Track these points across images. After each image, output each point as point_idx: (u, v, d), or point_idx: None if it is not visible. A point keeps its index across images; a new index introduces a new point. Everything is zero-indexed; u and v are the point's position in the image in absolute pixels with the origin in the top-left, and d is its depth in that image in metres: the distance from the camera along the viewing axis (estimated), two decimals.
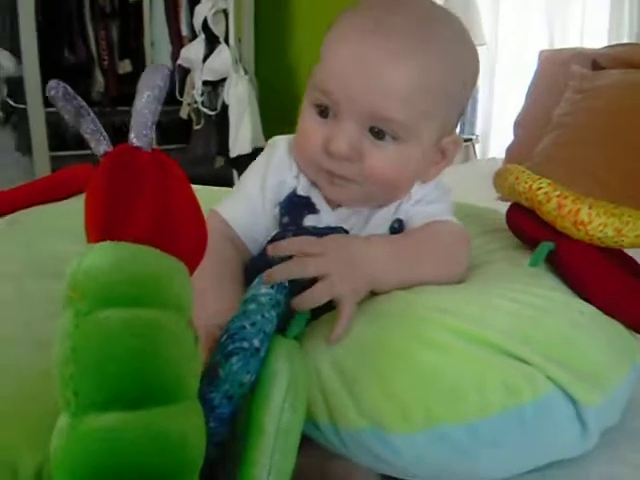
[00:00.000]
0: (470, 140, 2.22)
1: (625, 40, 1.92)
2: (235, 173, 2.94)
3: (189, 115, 2.89)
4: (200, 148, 2.92)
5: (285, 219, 0.62)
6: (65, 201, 0.90)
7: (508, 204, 1.34)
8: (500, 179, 0.71)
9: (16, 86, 2.70)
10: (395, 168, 0.59)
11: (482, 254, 0.68)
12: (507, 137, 2.05)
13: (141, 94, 0.40)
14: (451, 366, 0.46)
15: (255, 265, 0.58)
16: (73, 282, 0.34)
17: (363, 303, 0.54)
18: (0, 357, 0.50)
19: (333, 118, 0.58)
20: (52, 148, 2.86)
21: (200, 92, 2.77)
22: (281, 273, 0.49)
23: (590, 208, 0.62)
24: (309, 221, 0.62)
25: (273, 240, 0.57)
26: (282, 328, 0.48)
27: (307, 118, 0.61)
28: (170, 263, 0.37)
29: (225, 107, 2.75)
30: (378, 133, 0.57)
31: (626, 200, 1.19)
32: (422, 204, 0.65)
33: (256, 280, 0.50)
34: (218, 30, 2.65)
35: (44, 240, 0.74)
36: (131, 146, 0.39)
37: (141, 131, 0.39)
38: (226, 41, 2.69)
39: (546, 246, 0.64)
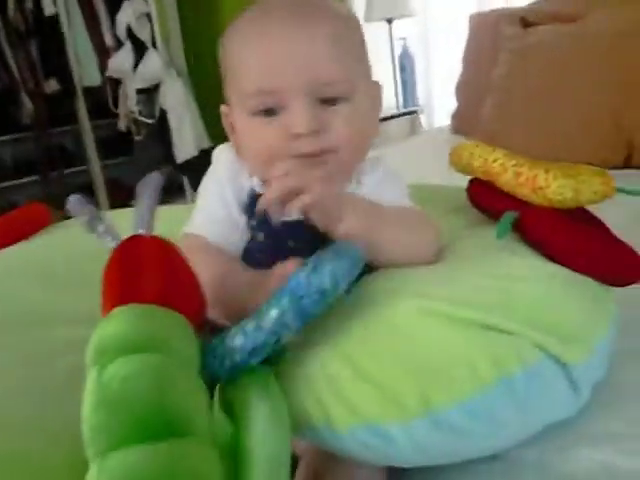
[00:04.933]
0: (414, 112, 2.22)
1: None
2: (185, 179, 2.89)
3: (128, 126, 2.81)
4: (144, 158, 2.84)
5: (252, 221, 0.62)
6: (22, 243, 0.85)
7: (462, 175, 1.35)
8: (455, 157, 0.71)
9: None
10: (355, 124, 0.61)
11: (449, 232, 0.67)
12: (450, 105, 2.06)
13: (141, 197, 0.51)
14: (437, 349, 0.46)
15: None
16: (97, 342, 0.40)
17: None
18: None
19: (280, 112, 0.59)
20: None
21: (135, 101, 2.69)
22: (269, 194, 0.52)
23: (547, 172, 0.62)
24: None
25: (248, 246, 0.62)
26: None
27: (252, 125, 0.61)
28: (174, 318, 0.43)
29: (164, 113, 2.68)
30: (329, 100, 0.59)
31: (572, 153, 1.21)
32: (380, 192, 0.63)
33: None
34: (144, 35, 2.57)
35: (9, 286, 0.70)
36: (136, 235, 0.49)
37: (144, 224, 0.50)
38: (153, 45, 2.62)
39: (509, 216, 0.63)
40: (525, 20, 1.78)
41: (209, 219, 0.63)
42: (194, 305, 0.46)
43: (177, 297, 0.45)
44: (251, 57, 0.60)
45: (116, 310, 0.42)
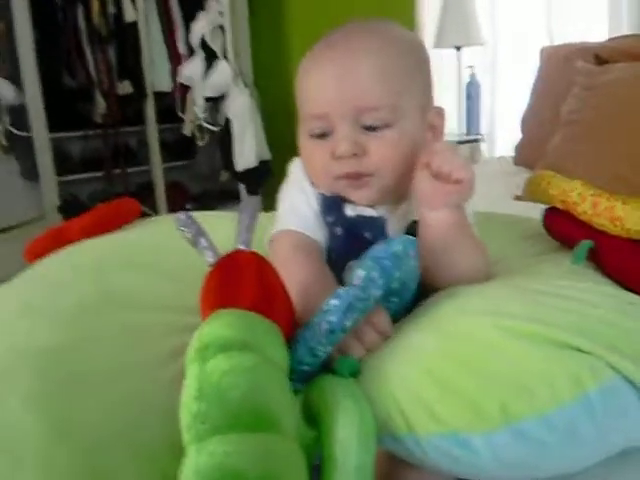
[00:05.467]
0: (476, 140, 2.22)
1: (624, 31, 1.92)
2: (241, 187, 2.95)
3: (192, 132, 2.90)
4: (205, 164, 2.93)
5: (329, 219, 0.67)
6: (122, 232, 0.89)
7: (524, 203, 1.33)
8: (533, 186, 0.72)
9: (17, 114, 2.71)
10: (397, 149, 0.64)
11: (523, 259, 0.68)
12: (512, 135, 2.04)
13: (241, 217, 0.57)
14: (516, 364, 0.47)
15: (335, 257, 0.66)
16: (199, 340, 0.44)
17: (413, 314, 0.56)
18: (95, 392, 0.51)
19: (330, 136, 0.64)
20: (58, 173, 2.87)
21: (202, 109, 2.78)
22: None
23: (624, 204, 0.63)
24: (350, 210, 0.67)
25: (330, 241, 0.66)
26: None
27: (309, 146, 0.67)
28: (269, 325, 0.47)
29: (228, 122, 2.76)
30: (371, 127, 0.63)
31: None
32: None
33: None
34: (216, 46, 2.66)
35: (113, 270, 0.73)
36: (238, 250, 0.55)
37: (244, 241, 0.55)
38: (224, 56, 2.70)
39: (586, 244, 0.64)
40: (599, 57, 1.76)
41: (296, 215, 0.68)
42: (285, 317, 0.50)
43: (271, 307, 0.48)
44: (308, 84, 0.66)
45: (219, 312, 0.46)
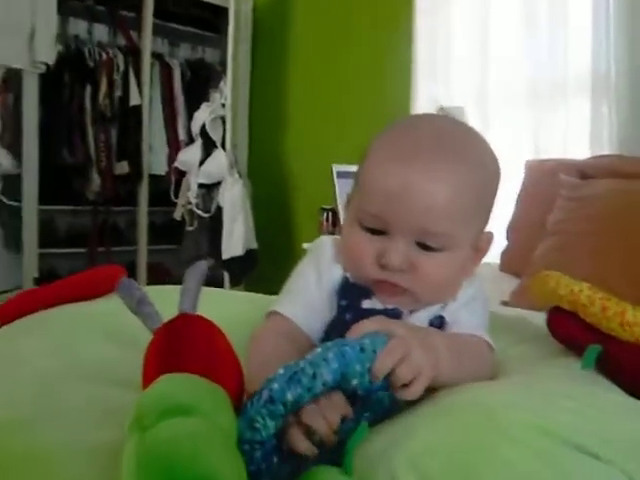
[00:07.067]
0: None
1: (606, 150, 2.04)
2: (226, 275, 2.94)
3: (183, 216, 2.93)
4: (192, 249, 2.93)
5: (343, 302, 0.65)
6: (98, 300, 0.86)
7: (511, 309, 1.33)
8: (540, 285, 0.73)
9: (10, 184, 2.73)
10: (445, 273, 0.64)
11: (526, 362, 0.68)
12: (498, 242, 2.10)
13: (187, 281, 0.57)
14: (538, 466, 0.44)
15: None
16: (137, 408, 0.40)
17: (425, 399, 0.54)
18: (54, 470, 0.47)
19: (384, 236, 0.62)
20: (41, 245, 2.84)
21: (195, 194, 2.83)
22: (383, 365, 0.50)
23: (634, 309, 0.63)
24: (366, 304, 0.65)
25: (333, 324, 0.64)
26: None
27: (356, 234, 0.65)
28: (215, 389, 0.44)
29: (219, 209, 2.80)
30: (427, 247, 0.62)
31: (633, 301, 1.22)
32: (466, 312, 0.68)
33: None
34: (215, 135, 2.75)
35: (83, 341, 0.70)
36: (182, 314, 0.53)
37: (190, 305, 0.55)
38: (222, 146, 2.79)
39: (594, 349, 0.64)
40: (582, 172, 1.86)
41: (298, 301, 0.67)
42: (233, 381, 0.47)
43: (217, 371, 0.46)
44: (376, 181, 0.63)
45: (160, 377, 0.43)
